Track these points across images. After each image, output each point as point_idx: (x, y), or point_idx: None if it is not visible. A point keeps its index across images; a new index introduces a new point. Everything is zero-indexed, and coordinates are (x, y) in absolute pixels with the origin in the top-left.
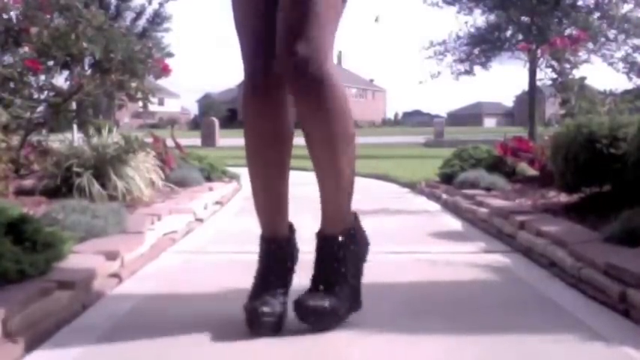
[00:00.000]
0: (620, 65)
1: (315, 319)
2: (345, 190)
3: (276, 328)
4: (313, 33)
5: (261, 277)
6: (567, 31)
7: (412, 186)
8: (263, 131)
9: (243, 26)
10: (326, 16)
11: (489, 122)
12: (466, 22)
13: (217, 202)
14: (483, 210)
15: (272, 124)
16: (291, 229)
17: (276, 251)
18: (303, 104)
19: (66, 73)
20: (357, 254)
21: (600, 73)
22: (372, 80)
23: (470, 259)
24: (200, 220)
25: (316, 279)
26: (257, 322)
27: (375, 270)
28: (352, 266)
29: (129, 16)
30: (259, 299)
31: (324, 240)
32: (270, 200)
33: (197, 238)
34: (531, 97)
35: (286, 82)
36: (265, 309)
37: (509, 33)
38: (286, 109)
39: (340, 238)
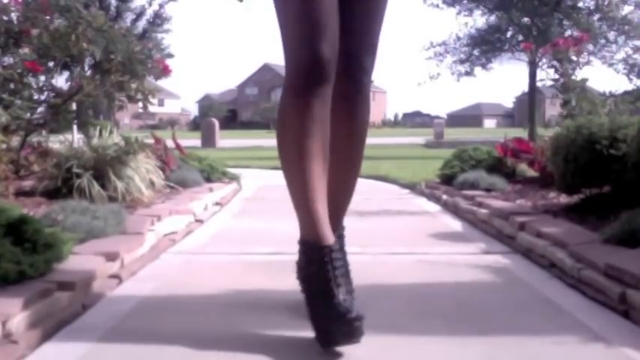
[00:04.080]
0: (621, 66)
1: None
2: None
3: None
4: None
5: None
6: (567, 33)
7: (412, 187)
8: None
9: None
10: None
11: (489, 123)
12: (466, 24)
13: (217, 203)
14: (483, 211)
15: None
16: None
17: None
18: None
19: (66, 74)
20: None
21: (600, 75)
22: (372, 81)
23: (470, 260)
24: (200, 221)
25: None
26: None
27: (376, 270)
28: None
29: (129, 17)
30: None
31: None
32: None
33: (197, 239)
34: (531, 98)
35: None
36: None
37: (509, 34)
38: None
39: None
